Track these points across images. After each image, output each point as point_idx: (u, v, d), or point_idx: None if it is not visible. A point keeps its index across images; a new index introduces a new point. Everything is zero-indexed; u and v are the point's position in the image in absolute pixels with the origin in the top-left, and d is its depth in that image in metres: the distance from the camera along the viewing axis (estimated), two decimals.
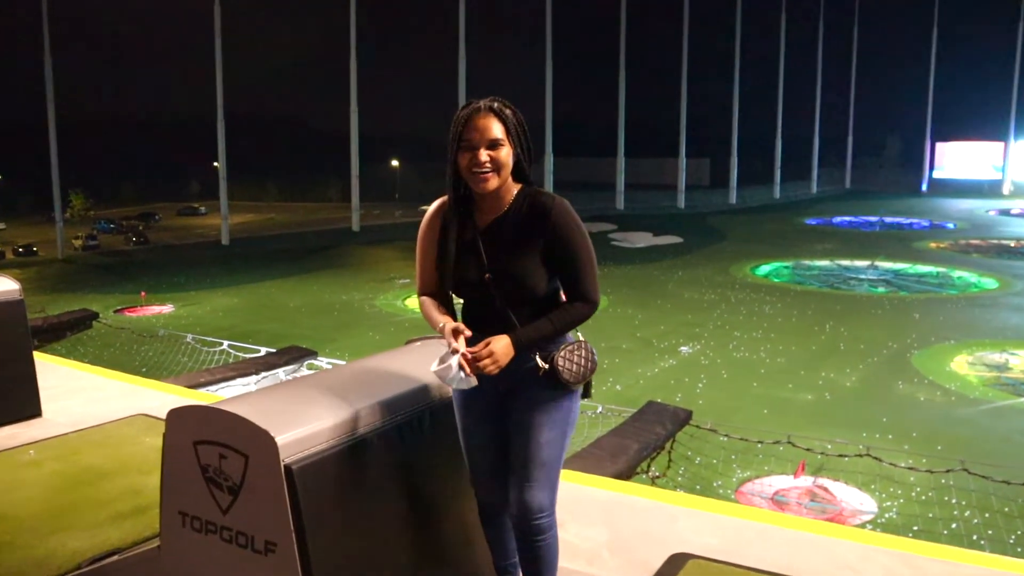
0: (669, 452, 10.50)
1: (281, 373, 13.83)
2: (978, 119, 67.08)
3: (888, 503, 11.44)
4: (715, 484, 11.83)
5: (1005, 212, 53.75)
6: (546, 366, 2.61)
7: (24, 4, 43.84)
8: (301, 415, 2.60)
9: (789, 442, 10.78)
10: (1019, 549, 9.97)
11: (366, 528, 2.72)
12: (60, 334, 19.56)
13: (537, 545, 2.71)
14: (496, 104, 2.59)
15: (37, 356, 6.39)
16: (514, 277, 2.58)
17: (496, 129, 2.55)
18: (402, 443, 2.82)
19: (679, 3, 57.28)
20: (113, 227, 60.80)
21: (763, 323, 23.15)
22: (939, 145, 69.33)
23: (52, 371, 7.10)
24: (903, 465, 11.30)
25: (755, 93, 61.59)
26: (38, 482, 4.73)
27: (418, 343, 3.48)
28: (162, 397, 6.48)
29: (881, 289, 28.84)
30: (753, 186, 62.20)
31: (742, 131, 60.38)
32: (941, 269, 32.37)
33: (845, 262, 34.00)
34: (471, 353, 2.51)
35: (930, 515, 10.72)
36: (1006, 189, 65.43)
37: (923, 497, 11.15)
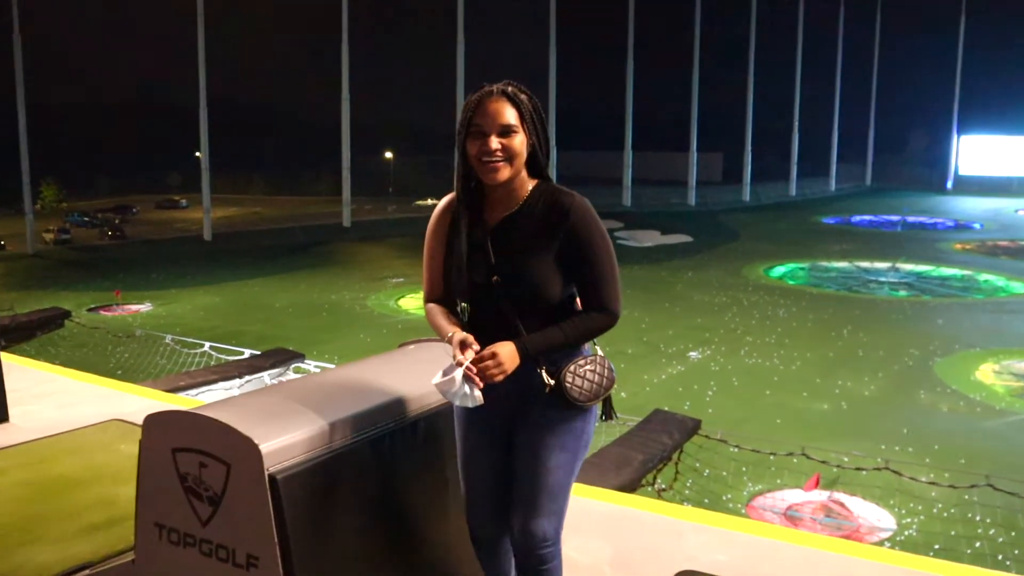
0: (676, 463, 10.52)
1: (266, 377, 13.85)
2: (1007, 113, 67.09)
3: (908, 519, 11.45)
4: (724, 498, 11.83)
5: None
6: (552, 382, 2.51)
7: None
8: (287, 422, 2.59)
9: (803, 454, 10.80)
10: None
11: (353, 541, 2.71)
12: (29, 334, 19.58)
13: (539, 574, 2.63)
14: (510, 88, 2.51)
15: (4, 357, 6.39)
16: (524, 281, 2.49)
17: (509, 114, 2.46)
18: (393, 452, 2.81)
19: None
20: (87, 220, 60.64)
21: (777, 327, 23.16)
22: (965, 140, 69.31)
23: (20, 373, 7.09)
24: (924, 479, 11.32)
25: (771, 84, 61.50)
26: (3, 492, 4.71)
27: (412, 346, 3.48)
28: (138, 402, 6.47)
29: (902, 293, 28.85)
30: (768, 182, 62.18)
31: (757, 124, 60.36)
32: (966, 272, 32.39)
33: (864, 264, 34.02)
34: (475, 357, 2.42)
35: (952, 533, 10.73)
36: None
37: (945, 514, 11.15)
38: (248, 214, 63.82)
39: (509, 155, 2.47)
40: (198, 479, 2.53)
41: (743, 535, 4.20)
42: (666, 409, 11.78)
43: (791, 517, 11.74)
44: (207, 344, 17.19)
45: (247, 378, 13.61)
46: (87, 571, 3.83)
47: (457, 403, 2.47)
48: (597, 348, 2.65)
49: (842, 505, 11.96)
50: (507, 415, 2.64)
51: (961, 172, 69.60)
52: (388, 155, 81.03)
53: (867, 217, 51.31)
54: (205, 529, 2.54)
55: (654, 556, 3.94)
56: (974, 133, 68.90)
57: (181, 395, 9.81)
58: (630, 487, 8.58)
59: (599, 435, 10.85)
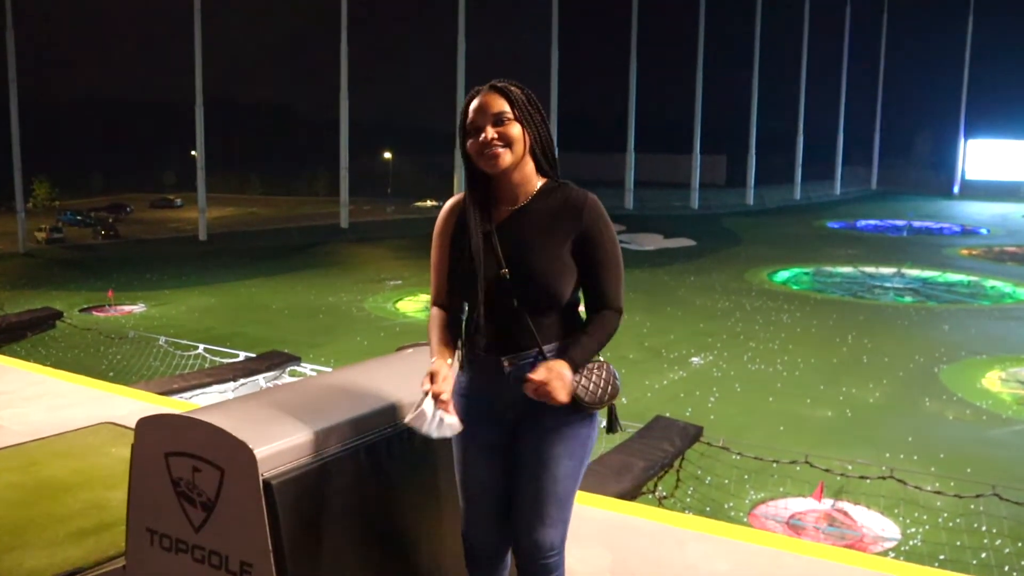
0: (678, 471, 10.51)
1: (261, 380, 13.87)
2: (1015, 116, 67.07)
3: (912, 529, 11.44)
4: (726, 506, 11.82)
5: None
6: None
7: None
8: (282, 426, 2.58)
9: (807, 462, 10.79)
10: None
11: (348, 548, 2.70)
12: (20, 334, 19.59)
13: None
14: (499, 83, 2.54)
15: None
16: (533, 275, 2.48)
17: (501, 104, 2.49)
18: (390, 458, 2.80)
19: None
20: (80, 219, 60.56)
21: (780, 333, 23.16)
22: (972, 144, 69.34)
23: (10, 374, 7.08)
24: (929, 489, 11.30)
25: (775, 86, 61.54)
26: None
27: (410, 350, 3.47)
28: (131, 404, 6.46)
29: (908, 298, 28.85)
30: (772, 186, 62.17)
31: (761, 127, 60.38)
32: (973, 278, 32.38)
33: (869, 269, 34.02)
34: (532, 384, 2.38)
35: (958, 543, 10.72)
36: None
37: (951, 523, 11.15)
38: (244, 214, 63.81)
39: (507, 141, 2.48)
40: (191, 484, 2.52)
41: (745, 544, 4.19)
42: (667, 415, 11.78)
43: (794, 526, 11.73)
44: (201, 346, 17.18)
45: (242, 381, 13.63)
46: None
47: (435, 435, 2.45)
48: (600, 355, 2.63)
49: (846, 514, 11.95)
50: (509, 425, 2.62)
51: (968, 176, 69.59)
52: (387, 155, 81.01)
53: (872, 221, 51.32)
54: (198, 535, 2.53)
55: (655, 565, 3.93)
56: (981, 137, 68.91)
57: (175, 398, 9.81)
58: (631, 495, 8.57)
59: (599, 441, 10.85)
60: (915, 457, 14.17)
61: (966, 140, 69.11)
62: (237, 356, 16.22)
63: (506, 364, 2.55)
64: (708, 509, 11.33)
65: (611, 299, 2.54)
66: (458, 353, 2.67)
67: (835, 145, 67.46)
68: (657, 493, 10.04)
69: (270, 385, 13.93)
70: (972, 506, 10.81)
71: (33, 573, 3.83)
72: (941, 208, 58.54)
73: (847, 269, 34.33)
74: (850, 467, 11.78)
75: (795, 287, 30.96)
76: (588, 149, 69.44)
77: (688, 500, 11.32)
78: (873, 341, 22.17)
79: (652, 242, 41.78)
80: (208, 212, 47.04)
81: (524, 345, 2.53)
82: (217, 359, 16.47)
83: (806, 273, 33.73)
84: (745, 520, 11.73)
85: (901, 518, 11.65)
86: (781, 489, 12.39)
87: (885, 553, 10.94)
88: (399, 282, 30.79)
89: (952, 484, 11.67)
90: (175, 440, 2.55)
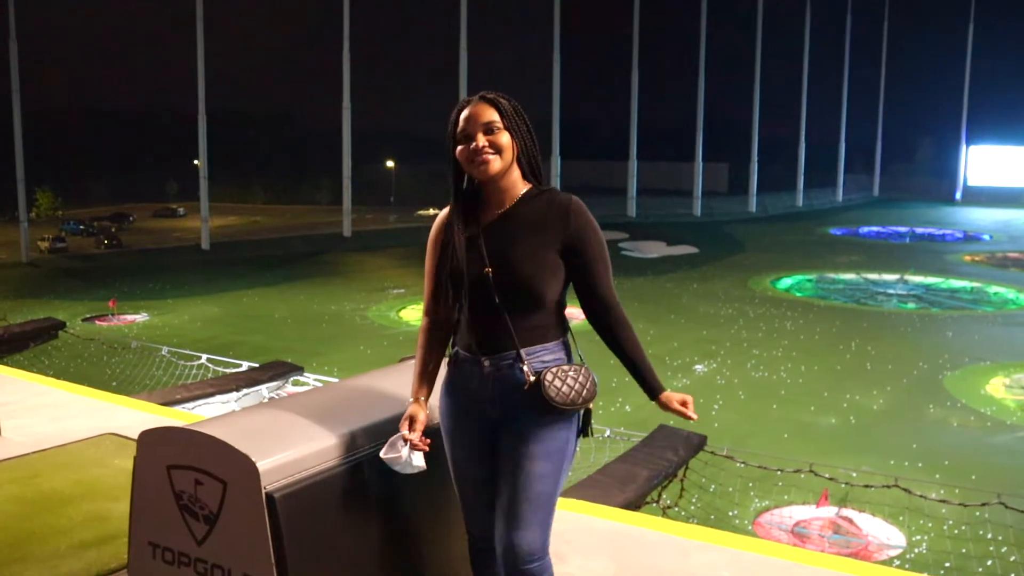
0: (682, 480, 10.48)
1: (264, 390, 13.83)
2: (1016, 123, 67.15)
3: (918, 537, 11.40)
4: (731, 514, 11.79)
5: None
6: (532, 379, 2.56)
7: None
8: (285, 439, 2.57)
9: (811, 471, 10.76)
10: None
11: (352, 561, 2.69)
12: (22, 345, 19.55)
13: None
14: (489, 94, 2.65)
15: None
16: (516, 274, 2.56)
17: (491, 114, 2.61)
18: (393, 470, 2.79)
19: None
20: (83, 228, 60.65)
21: (784, 340, 23.13)
22: (974, 150, 69.34)
23: (12, 385, 7.08)
24: (934, 497, 11.26)
25: (777, 94, 61.58)
26: None
27: (412, 360, 3.46)
28: (133, 415, 6.45)
29: (911, 305, 28.82)
30: (774, 193, 62.18)
31: (763, 134, 60.41)
32: (976, 284, 32.36)
33: (872, 276, 33.99)
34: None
35: (963, 551, 10.69)
36: None
37: (956, 531, 11.12)
38: (247, 223, 63.89)
39: (497, 149, 2.59)
40: (194, 497, 2.51)
41: (750, 554, 4.17)
42: (671, 424, 11.74)
43: (798, 534, 11.70)
44: (204, 356, 17.17)
45: (245, 391, 13.58)
46: None
47: (403, 472, 2.66)
48: (582, 359, 2.73)
49: (851, 522, 11.92)
50: (491, 424, 2.69)
51: (970, 183, 69.58)
52: (390, 164, 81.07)
53: (875, 228, 51.30)
54: (200, 548, 2.52)
55: (659, 575, 3.91)
56: (983, 143, 68.93)
57: (177, 408, 9.78)
58: (635, 504, 8.54)
59: (602, 452, 10.82)
60: (920, 464, 14.14)
61: (968, 146, 69.11)
62: (240, 366, 16.19)
63: (486, 364, 2.63)
64: (712, 517, 11.31)
65: (604, 293, 2.66)
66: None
67: (837, 152, 67.51)
68: (661, 502, 10.00)
69: (273, 395, 13.92)
70: (977, 514, 10.77)
71: None
72: (943, 214, 58.51)
73: (850, 276, 34.30)
74: (855, 474, 11.75)
75: (798, 294, 30.93)
76: (590, 157, 69.51)
77: (692, 508, 11.30)
78: (876, 348, 22.14)
79: (655, 250, 41.77)
80: (211, 221, 47.08)
81: (504, 346, 2.61)
82: (220, 369, 16.46)
83: (809, 280, 33.70)
84: (750, 528, 11.71)
85: (906, 525, 11.61)
86: (785, 497, 12.36)
87: (890, 561, 10.91)
88: (402, 291, 30.78)
89: (957, 491, 11.63)
90: (177, 453, 2.54)
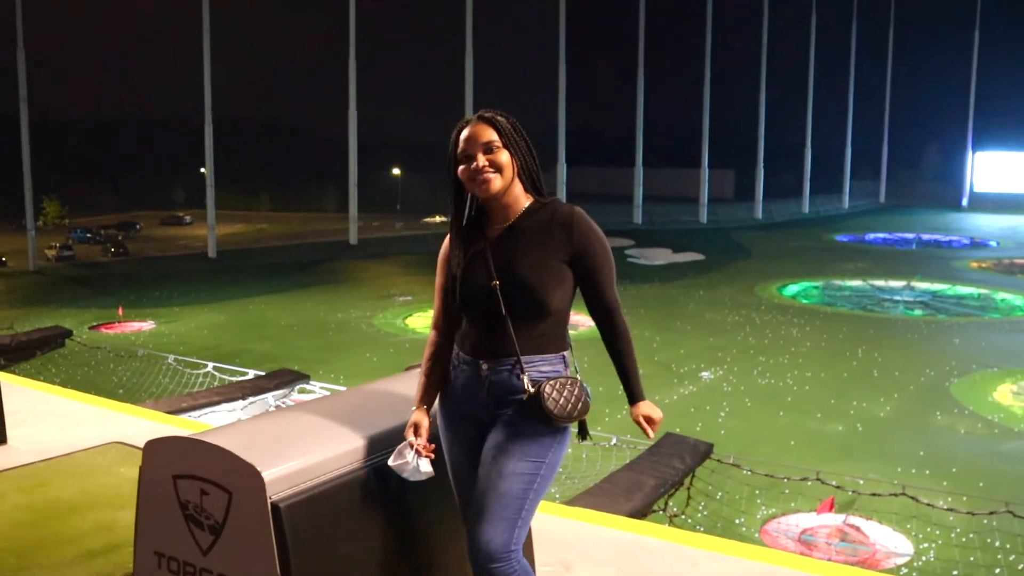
0: (688, 488, 10.46)
1: (270, 398, 13.85)
2: (1023, 129, 66.98)
3: (925, 545, 11.36)
4: (737, 522, 11.77)
5: None
6: (532, 390, 2.60)
7: None
8: (290, 448, 2.57)
9: (818, 478, 10.73)
10: None
11: (358, 571, 2.69)
12: (29, 353, 19.63)
13: None
14: (487, 113, 2.72)
15: (3, 377, 6.39)
16: (522, 284, 2.62)
17: (490, 133, 2.67)
18: (400, 479, 2.78)
19: (702, 4, 57.42)
20: (90, 237, 60.90)
21: (790, 347, 23.09)
22: (980, 156, 69.21)
23: (19, 394, 7.08)
24: (942, 504, 11.23)
25: (783, 100, 61.57)
26: (1, 516, 4.70)
27: (419, 369, 3.45)
28: (140, 424, 6.46)
29: (918, 312, 28.76)
30: (780, 200, 62.13)
31: (769, 141, 60.38)
32: (983, 291, 32.27)
33: (879, 282, 33.93)
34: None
35: (971, 559, 10.65)
36: None
37: (963, 539, 11.07)
38: (253, 231, 64.04)
39: (497, 167, 2.66)
40: (199, 507, 2.51)
41: (757, 563, 4.16)
42: (678, 432, 11.73)
43: (805, 541, 11.67)
44: (210, 364, 17.19)
45: (251, 399, 13.61)
46: None
47: (411, 479, 2.69)
48: (577, 372, 2.75)
49: (858, 529, 11.88)
50: (483, 427, 2.73)
51: (976, 189, 69.44)
52: (396, 171, 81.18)
53: (881, 235, 51.22)
54: (206, 558, 2.51)
55: None
56: (989, 149, 68.79)
57: (183, 417, 9.80)
58: (641, 513, 8.52)
59: (609, 460, 10.80)
60: (927, 471, 14.09)
61: (974, 152, 68.97)
62: (246, 374, 16.21)
63: (484, 367, 2.68)
64: (719, 525, 11.28)
65: (610, 298, 2.72)
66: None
67: (843, 159, 67.42)
68: (668, 511, 9.98)
69: (279, 404, 13.94)
70: (985, 521, 10.73)
71: None
72: (950, 221, 58.41)
73: (856, 283, 34.24)
74: (861, 482, 11.71)
75: (804, 301, 30.88)
76: (596, 164, 69.54)
77: (699, 516, 11.27)
78: (883, 355, 22.09)
79: (661, 256, 41.76)
80: (217, 229, 47.15)
81: (504, 352, 2.66)
82: (226, 377, 16.48)
83: (815, 287, 33.65)
84: (756, 536, 11.68)
85: (914, 533, 11.57)
86: (792, 504, 12.33)
87: (898, 569, 10.87)
88: (408, 298, 30.80)
89: (965, 499, 11.60)
90: (183, 462, 2.54)
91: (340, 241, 49.13)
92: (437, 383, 2.83)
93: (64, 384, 13.09)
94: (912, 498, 10.35)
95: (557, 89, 51.79)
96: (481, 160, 2.64)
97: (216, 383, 16.22)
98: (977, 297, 31.28)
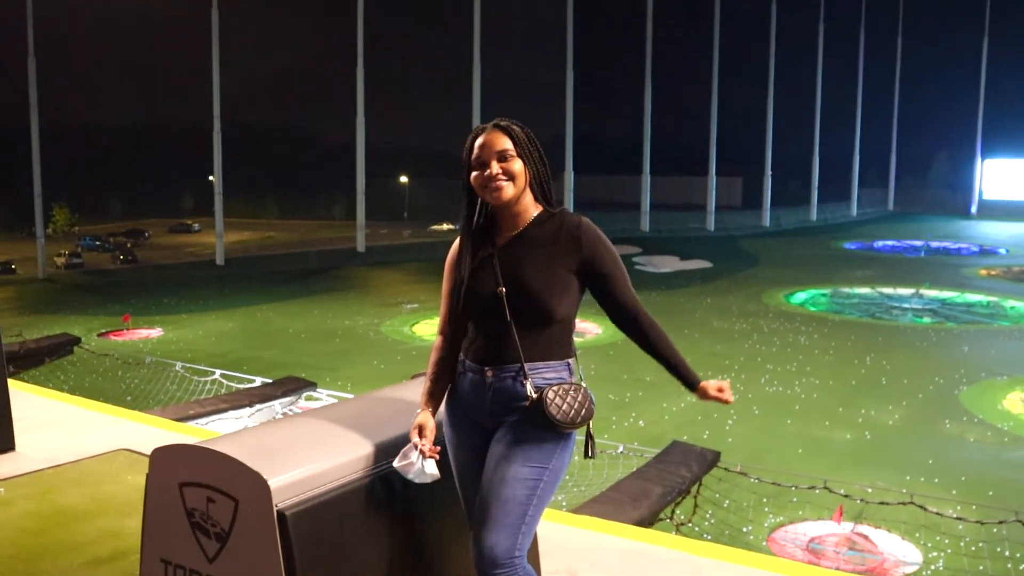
0: (695, 496, 10.43)
1: (277, 406, 13.87)
2: None
3: (934, 554, 11.31)
4: (745, 530, 11.73)
5: None
6: (535, 395, 2.62)
7: (7, 4, 44.22)
8: (297, 456, 2.58)
9: (826, 487, 10.69)
10: None
11: None
12: (38, 360, 19.69)
13: None
14: (503, 122, 2.74)
15: (12, 384, 6.38)
16: (528, 291, 2.64)
17: (504, 142, 2.70)
18: (405, 487, 2.79)
19: (709, 11, 57.47)
20: (99, 244, 61.17)
21: (798, 355, 23.03)
22: (989, 164, 69.05)
23: (28, 401, 7.10)
24: (951, 513, 11.18)
25: (791, 107, 61.50)
26: (8, 523, 4.71)
27: (424, 377, 3.46)
28: (147, 431, 6.47)
29: (927, 319, 28.68)
30: (788, 207, 62.10)
31: (776, 148, 60.32)
32: (992, 298, 32.17)
33: (887, 290, 33.85)
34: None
35: (981, 568, 10.60)
36: None
37: (973, 548, 11.01)
38: (261, 238, 64.20)
39: (510, 176, 2.68)
40: (205, 514, 2.51)
41: (764, 572, 4.15)
42: (685, 440, 11.72)
43: (813, 550, 11.62)
44: (218, 372, 17.22)
45: (258, 407, 13.62)
46: None
47: (417, 481, 2.69)
48: (582, 380, 2.75)
49: (866, 538, 11.83)
50: (487, 433, 2.75)
51: (985, 196, 69.25)
52: (403, 179, 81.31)
53: (890, 242, 51.12)
54: (212, 566, 2.52)
55: None
56: (998, 157, 68.64)
57: (191, 424, 9.81)
58: (648, 521, 8.51)
59: (615, 468, 10.77)
60: (936, 480, 14.03)
61: (983, 160, 68.81)
62: (253, 381, 16.24)
63: (489, 374, 2.70)
64: (727, 533, 11.25)
65: (632, 302, 2.76)
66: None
67: (851, 166, 67.31)
68: (675, 519, 9.96)
69: (286, 411, 13.95)
70: (995, 530, 10.68)
71: None
72: (959, 228, 58.26)
73: (865, 290, 34.17)
74: (870, 490, 11.67)
75: (812, 308, 30.82)
76: (604, 171, 69.59)
77: (706, 525, 11.24)
78: (892, 362, 22.02)
79: (668, 264, 41.72)
80: (225, 236, 47.29)
81: (509, 359, 2.68)
82: (233, 384, 16.50)
83: (823, 294, 33.58)
84: (764, 545, 11.64)
85: (923, 542, 11.52)
86: (800, 513, 12.28)
87: None
88: (415, 305, 30.82)
89: (974, 508, 11.54)
90: (189, 470, 2.55)
91: (348, 248, 49.22)
92: (442, 387, 2.84)
93: (72, 391, 13.12)
94: (921, 507, 10.31)
95: (564, 97, 51.85)
96: (495, 168, 2.66)
97: (223, 390, 16.24)
98: (986, 305, 31.18)
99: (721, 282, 36.23)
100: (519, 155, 2.69)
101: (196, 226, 73.44)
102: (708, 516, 11.39)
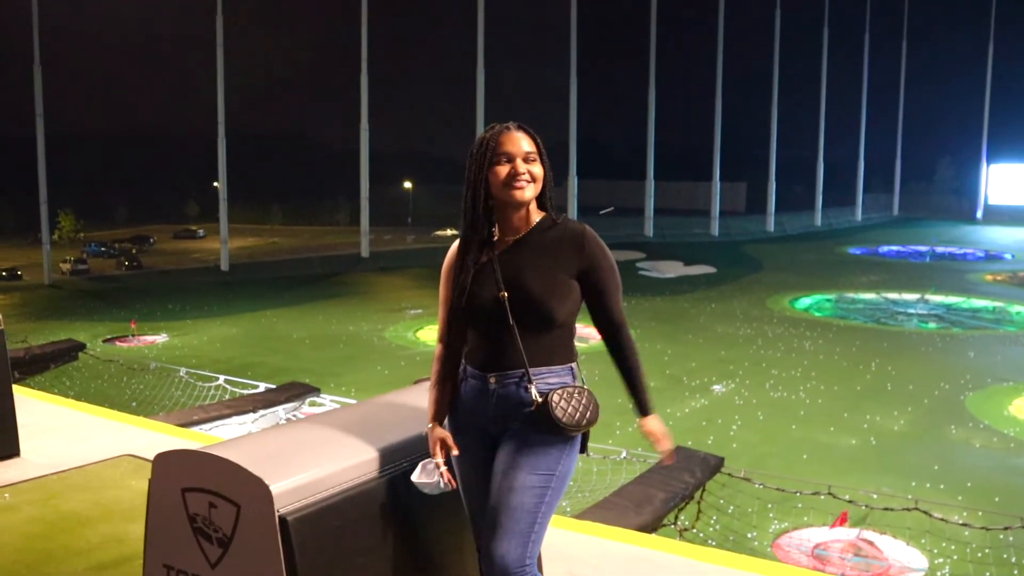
0: (699, 502, 10.42)
1: (281, 411, 13.88)
2: None
3: (940, 560, 11.29)
4: (749, 535, 11.71)
5: None
6: (539, 399, 2.61)
7: (13, 13, 44.39)
8: (299, 461, 2.58)
9: (830, 492, 10.68)
10: None
11: None
12: (43, 366, 19.73)
13: None
14: (525, 127, 2.74)
15: (17, 390, 6.39)
16: (530, 296, 2.62)
17: (529, 144, 2.70)
18: (407, 492, 2.78)
19: (713, 16, 57.51)
20: (104, 250, 61.25)
21: (803, 360, 23.01)
22: (995, 169, 68.98)
23: (33, 407, 7.11)
24: (956, 519, 11.15)
25: (795, 112, 61.58)
26: (13, 528, 4.71)
27: (427, 382, 3.46)
28: (151, 436, 6.47)
29: (932, 325, 28.64)
30: (793, 212, 62.06)
31: (781, 153, 60.33)
32: (998, 304, 32.13)
33: (893, 295, 33.82)
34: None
35: (987, 574, 10.57)
36: None
37: (979, 554, 10.99)
38: (266, 244, 64.25)
39: (532, 177, 2.69)
40: (208, 520, 2.51)
41: None
42: (688, 445, 11.70)
43: (819, 556, 11.60)
44: (222, 377, 17.25)
45: (261, 412, 13.65)
46: None
47: (434, 493, 2.73)
48: (585, 383, 2.74)
49: (872, 544, 11.80)
50: (492, 440, 2.74)
51: (991, 201, 69.22)
52: (407, 185, 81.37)
53: (895, 247, 51.09)
54: (214, 571, 2.52)
55: None
56: (1004, 162, 68.59)
57: (194, 430, 9.82)
58: (651, 527, 8.50)
59: (618, 473, 10.76)
60: (941, 486, 14.01)
61: (988, 165, 68.75)
62: (257, 387, 16.26)
63: (492, 380, 2.69)
64: (731, 539, 11.23)
65: (619, 315, 2.74)
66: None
67: (856, 171, 67.26)
68: (678, 525, 9.95)
69: (290, 416, 13.96)
70: (1001, 537, 10.66)
71: None
72: (964, 233, 58.21)
73: (870, 295, 34.14)
74: (875, 496, 11.65)
75: (817, 314, 30.80)
76: (608, 177, 69.58)
77: (710, 530, 11.23)
78: (897, 368, 22.00)
79: (672, 269, 41.72)
80: (230, 242, 47.37)
81: (512, 364, 2.66)
82: (237, 390, 16.52)
83: (828, 300, 33.56)
84: (769, 550, 11.62)
85: (928, 548, 11.50)
86: (804, 518, 12.27)
87: None
88: (419, 311, 30.84)
89: (980, 514, 11.52)
90: (192, 476, 2.55)
91: (352, 254, 49.27)
92: (448, 397, 2.82)
93: (77, 397, 13.15)
94: (926, 513, 10.28)
95: (568, 102, 51.89)
96: (521, 167, 2.66)
97: (227, 396, 16.27)
98: (992, 310, 31.14)
99: (725, 287, 36.22)
100: (539, 159, 2.70)
101: (201, 232, 73.53)
102: (712, 522, 11.38)
